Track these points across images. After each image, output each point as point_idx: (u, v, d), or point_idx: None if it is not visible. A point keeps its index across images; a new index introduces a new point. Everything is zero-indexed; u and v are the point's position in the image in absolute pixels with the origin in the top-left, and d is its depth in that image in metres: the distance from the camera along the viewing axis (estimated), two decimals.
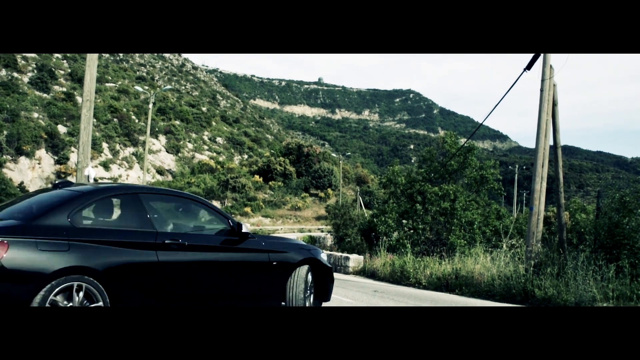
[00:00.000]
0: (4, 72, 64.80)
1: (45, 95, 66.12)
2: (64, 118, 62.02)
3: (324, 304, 7.99)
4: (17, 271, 4.84)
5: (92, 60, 11.59)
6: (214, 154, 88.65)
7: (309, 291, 7.45)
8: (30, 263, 4.92)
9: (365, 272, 18.10)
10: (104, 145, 65.20)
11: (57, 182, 6.29)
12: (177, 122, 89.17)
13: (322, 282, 7.73)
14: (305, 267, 7.33)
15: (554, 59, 13.07)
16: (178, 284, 5.99)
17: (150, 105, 39.96)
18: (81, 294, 5.18)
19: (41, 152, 55.61)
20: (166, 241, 5.89)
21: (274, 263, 6.99)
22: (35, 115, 58.73)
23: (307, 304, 7.35)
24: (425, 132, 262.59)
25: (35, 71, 70.07)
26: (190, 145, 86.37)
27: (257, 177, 78.02)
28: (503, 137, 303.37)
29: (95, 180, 13.85)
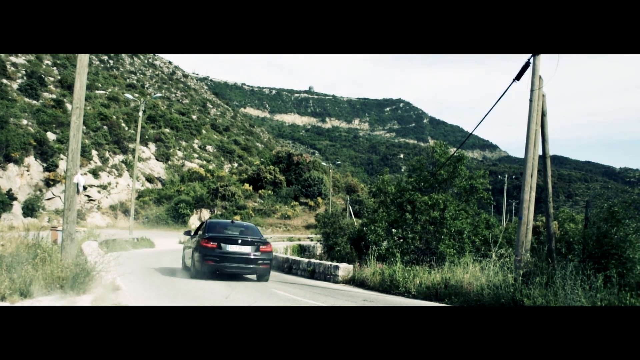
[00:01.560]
0: None
1: (34, 102, 65.79)
2: (53, 125, 61.71)
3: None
4: (272, 259, 16.46)
5: (82, 67, 11.55)
6: (204, 162, 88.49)
7: None
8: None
9: (354, 281, 18.08)
10: (94, 152, 64.91)
11: (232, 220, 18.39)
12: (167, 130, 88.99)
13: None
14: None
15: (543, 69, 13.19)
16: None
17: (140, 113, 39.87)
18: None
19: (30, 159, 55.26)
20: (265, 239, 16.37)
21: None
22: (24, 122, 58.41)
23: None
24: (415, 142, 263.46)
25: (25, 78, 69.74)
26: (180, 153, 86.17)
27: (246, 185, 77.91)
28: (492, 147, 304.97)
29: (84, 187, 13.83)
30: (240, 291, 13.17)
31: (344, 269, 19.05)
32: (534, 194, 13.10)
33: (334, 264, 19.67)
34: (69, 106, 64.07)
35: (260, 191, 78.37)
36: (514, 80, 12.92)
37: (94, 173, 62.49)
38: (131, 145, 70.68)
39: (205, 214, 68.58)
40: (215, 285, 14.11)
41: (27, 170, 54.48)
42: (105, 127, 71.19)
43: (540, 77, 13.11)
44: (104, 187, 62.75)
